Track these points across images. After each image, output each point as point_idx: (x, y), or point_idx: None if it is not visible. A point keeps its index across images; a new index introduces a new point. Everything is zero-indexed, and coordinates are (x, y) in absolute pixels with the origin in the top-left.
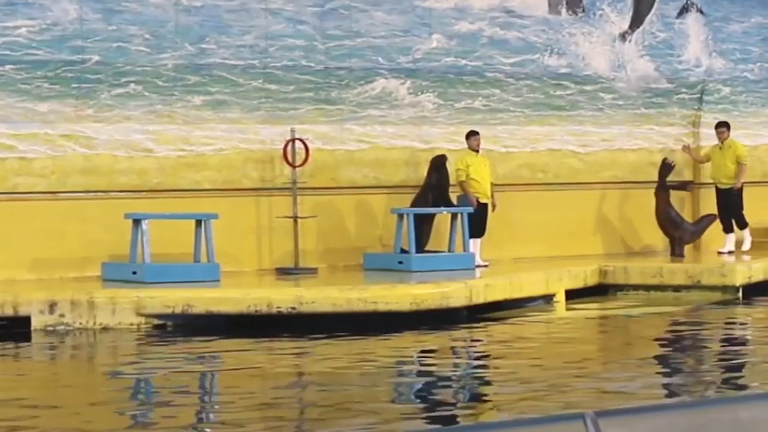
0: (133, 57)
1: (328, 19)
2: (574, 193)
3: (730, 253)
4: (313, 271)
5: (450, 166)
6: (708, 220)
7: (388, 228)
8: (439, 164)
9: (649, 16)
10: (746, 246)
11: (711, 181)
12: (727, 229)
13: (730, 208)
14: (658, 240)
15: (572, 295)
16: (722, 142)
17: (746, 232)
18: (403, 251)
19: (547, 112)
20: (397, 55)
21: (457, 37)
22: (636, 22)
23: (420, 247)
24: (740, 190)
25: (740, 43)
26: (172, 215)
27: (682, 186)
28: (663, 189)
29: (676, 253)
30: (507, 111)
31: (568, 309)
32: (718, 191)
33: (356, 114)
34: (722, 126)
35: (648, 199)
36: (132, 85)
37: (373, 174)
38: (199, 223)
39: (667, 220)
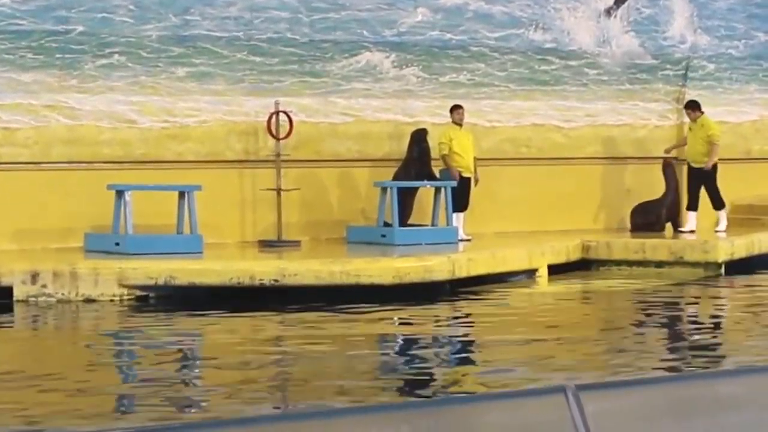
0: (117, 28)
1: None
2: (558, 168)
3: (691, 232)
4: (296, 243)
5: (431, 140)
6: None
7: (371, 201)
8: (419, 138)
9: None
10: (721, 226)
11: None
12: (691, 207)
13: (700, 187)
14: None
15: (555, 270)
16: (693, 121)
17: (722, 213)
18: (386, 224)
19: (531, 87)
20: (382, 29)
21: (442, 11)
22: None
23: (403, 221)
24: (714, 170)
25: (725, 20)
26: (155, 187)
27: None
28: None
29: (657, 229)
30: (491, 85)
31: (550, 284)
32: (690, 169)
33: (340, 87)
34: (689, 107)
35: (632, 175)
36: (116, 56)
37: (356, 147)
38: (182, 194)
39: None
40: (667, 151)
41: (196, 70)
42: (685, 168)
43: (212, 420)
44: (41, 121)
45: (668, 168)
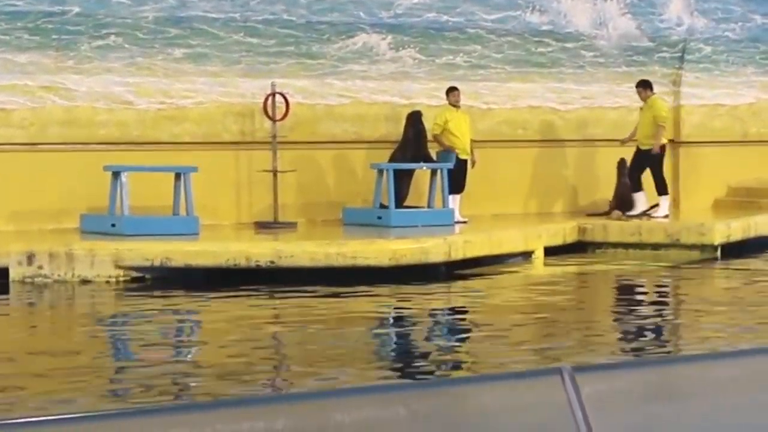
0: (113, 9)
1: None
2: (554, 150)
3: (643, 213)
4: (292, 225)
5: (428, 122)
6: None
7: (367, 183)
8: (415, 119)
9: None
10: (662, 212)
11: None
12: (635, 189)
13: (644, 169)
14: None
15: (551, 252)
16: (644, 102)
17: (664, 199)
18: (382, 206)
19: (528, 69)
20: (378, 10)
21: None
22: None
23: (399, 203)
24: (660, 154)
25: (722, 3)
26: (151, 168)
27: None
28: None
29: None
30: (488, 67)
31: (546, 266)
32: (637, 151)
33: (337, 69)
34: (639, 86)
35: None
36: (112, 37)
37: (353, 129)
38: (178, 176)
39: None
40: (624, 142)
41: (193, 51)
42: (680, 150)
43: (208, 401)
44: (37, 102)
45: (620, 164)
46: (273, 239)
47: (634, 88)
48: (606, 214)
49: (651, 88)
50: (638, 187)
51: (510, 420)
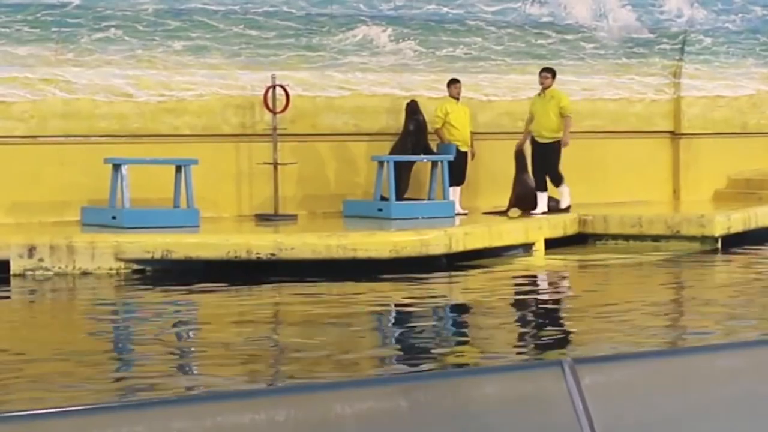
0: (113, 1)
1: None
2: None
3: (544, 213)
4: (292, 217)
5: (428, 114)
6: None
7: (367, 175)
8: (413, 110)
9: None
10: (564, 203)
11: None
12: (540, 188)
13: (546, 163)
14: (639, 190)
15: (551, 244)
16: (544, 90)
17: (563, 189)
18: (382, 198)
19: (528, 61)
20: (378, 2)
21: None
22: None
23: (399, 195)
24: (559, 145)
25: None
26: (151, 160)
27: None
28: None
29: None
30: (488, 59)
31: (547, 258)
32: (536, 145)
33: (337, 61)
34: (546, 71)
35: (628, 149)
36: (112, 30)
37: (353, 121)
38: (178, 168)
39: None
40: (521, 146)
41: (193, 43)
42: (681, 141)
43: (208, 393)
44: (37, 94)
45: (518, 156)
46: (273, 231)
47: (538, 75)
48: (504, 213)
49: (554, 77)
50: (545, 186)
51: (511, 412)
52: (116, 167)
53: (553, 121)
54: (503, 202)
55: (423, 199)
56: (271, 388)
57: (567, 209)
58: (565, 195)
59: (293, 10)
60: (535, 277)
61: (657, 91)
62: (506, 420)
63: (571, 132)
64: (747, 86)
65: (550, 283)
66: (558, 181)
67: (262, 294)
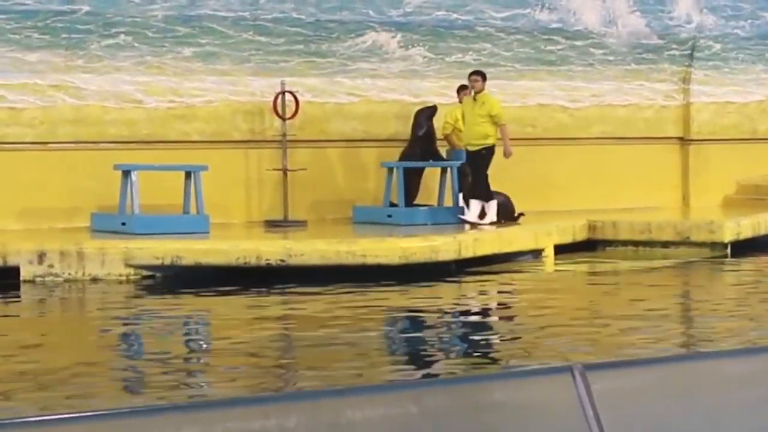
0: (123, 8)
1: None
2: (564, 148)
3: (492, 224)
4: (302, 223)
5: (437, 120)
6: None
7: (377, 181)
8: (425, 116)
9: None
10: (487, 219)
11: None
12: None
13: (474, 171)
14: (648, 196)
15: (561, 250)
16: (475, 94)
17: (490, 204)
18: (392, 205)
19: (537, 67)
20: (387, 9)
21: None
22: None
23: (409, 201)
24: (490, 153)
25: (731, 0)
26: (161, 167)
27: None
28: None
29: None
30: (497, 65)
31: (556, 264)
32: (467, 153)
33: (346, 67)
34: (476, 74)
35: (637, 155)
36: (122, 36)
37: (362, 127)
38: (188, 174)
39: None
40: (453, 146)
41: (202, 50)
42: (691, 148)
43: (219, 399)
44: (47, 101)
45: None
46: (283, 238)
47: (469, 76)
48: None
49: (485, 81)
50: (490, 196)
51: (521, 417)
52: (126, 173)
53: (483, 127)
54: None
55: (432, 206)
56: (282, 394)
57: (488, 224)
58: (491, 210)
59: (302, 17)
60: (544, 282)
61: (666, 97)
62: (516, 426)
63: (581, 138)
64: (756, 92)
65: (560, 288)
66: (483, 194)
67: (272, 300)
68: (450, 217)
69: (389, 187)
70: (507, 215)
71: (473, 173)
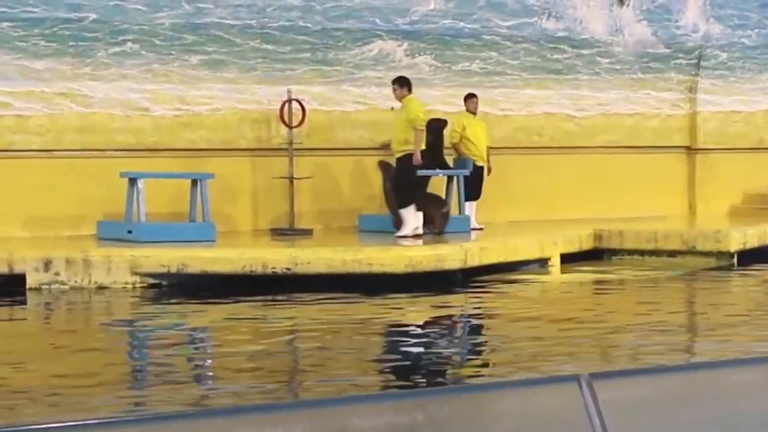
0: (130, 15)
1: None
2: (570, 157)
3: (416, 235)
4: (308, 232)
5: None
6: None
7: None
8: (435, 128)
9: None
10: (403, 231)
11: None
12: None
13: (396, 179)
14: (654, 205)
15: (567, 259)
16: (400, 101)
17: (407, 213)
18: None
19: (543, 76)
20: (394, 17)
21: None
22: None
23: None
24: (410, 162)
25: (738, 9)
26: (167, 174)
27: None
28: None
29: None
30: (504, 74)
31: (563, 273)
32: (396, 160)
33: (353, 75)
34: (393, 82)
35: (644, 164)
36: (129, 44)
37: (369, 135)
38: (194, 182)
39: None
40: (384, 146)
41: (209, 58)
42: (697, 156)
43: (226, 407)
44: (54, 108)
45: (383, 168)
46: (289, 246)
47: (391, 84)
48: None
49: (409, 87)
50: (398, 202)
51: (527, 427)
52: (132, 181)
53: (402, 132)
54: (519, 216)
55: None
56: (288, 402)
57: (411, 234)
58: (408, 221)
59: (309, 25)
60: (552, 291)
61: (673, 106)
62: None
63: (587, 147)
64: (763, 101)
65: (567, 298)
66: (404, 201)
67: (278, 308)
68: (456, 226)
69: None
70: (435, 223)
71: (398, 179)
